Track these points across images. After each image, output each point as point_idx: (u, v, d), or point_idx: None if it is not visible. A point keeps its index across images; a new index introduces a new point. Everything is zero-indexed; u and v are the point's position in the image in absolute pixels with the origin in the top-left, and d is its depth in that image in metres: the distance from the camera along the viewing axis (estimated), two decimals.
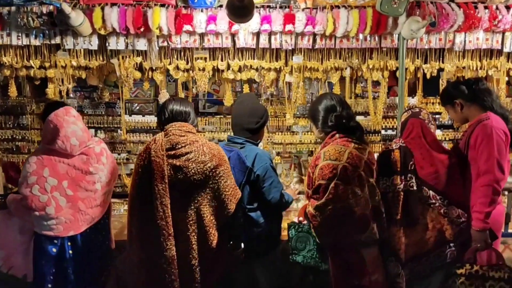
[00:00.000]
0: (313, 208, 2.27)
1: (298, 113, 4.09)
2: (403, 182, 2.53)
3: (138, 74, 3.69)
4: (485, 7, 3.45)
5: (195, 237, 2.28)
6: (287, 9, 3.43)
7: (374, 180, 2.40)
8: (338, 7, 3.37)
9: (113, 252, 2.78)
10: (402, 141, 2.64)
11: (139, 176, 2.32)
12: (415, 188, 2.53)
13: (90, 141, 2.57)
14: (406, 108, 3.02)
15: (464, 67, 3.84)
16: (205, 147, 2.28)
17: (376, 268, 2.39)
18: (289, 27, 3.32)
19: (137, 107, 4.22)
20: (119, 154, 4.15)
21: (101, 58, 3.62)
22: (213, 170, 2.26)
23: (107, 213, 2.70)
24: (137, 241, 2.33)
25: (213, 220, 2.31)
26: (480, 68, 3.81)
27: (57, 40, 3.54)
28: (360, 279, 2.34)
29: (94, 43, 3.54)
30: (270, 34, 3.52)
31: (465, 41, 3.65)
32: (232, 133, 2.76)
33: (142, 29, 3.30)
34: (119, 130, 4.14)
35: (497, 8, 3.48)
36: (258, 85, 4.02)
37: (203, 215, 2.28)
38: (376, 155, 2.60)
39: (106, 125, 4.16)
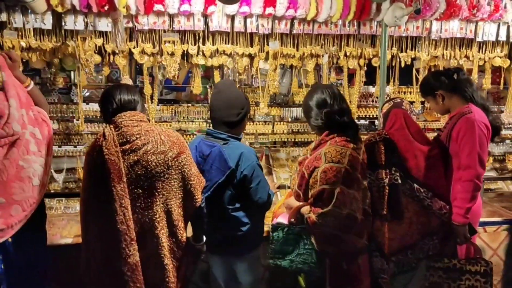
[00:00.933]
0: (317, 215, 2.08)
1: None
2: (388, 176, 2.46)
3: (98, 58, 3.39)
4: None
5: (165, 235, 2.12)
6: None
7: (366, 183, 2.30)
8: None
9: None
10: (385, 133, 2.56)
11: (91, 178, 2.09)
12: (399, 181, 2.47)
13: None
14: (387, 99, 2.94)
15: (437, 57, 3.83)
16: (163, 136, 2.08)
17: (367, 275, 2.32)
18: (269, 10, 3.16)
19: (87, 93, 3.88)
20: (75, 146, 3.81)
21: (55, 39, 3.27)
22: (175, 159, 2.08)
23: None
24: (96, 249, 2.12)
25: (181, 213, 2.16)
26: (454, 58, 3.82)
27: (3, 17, 3.16)
28: (356, 286, 2.26)
29: (48, 22, 3.19)
30: (246, 17, 3.32)
31: (441, 29, 3.63)
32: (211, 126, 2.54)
33: (106, 8, 2.99)
34: (75, 120, 3.79)
35: None
36: (221, 71, 3.81)
37: (171, 209, 2.11)
38: None
39: (60, 114, 3.80)
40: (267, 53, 3.52)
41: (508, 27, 3.78)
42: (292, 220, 2.29)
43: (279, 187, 3.44)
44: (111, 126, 2.07)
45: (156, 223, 2.08)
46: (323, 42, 3.59)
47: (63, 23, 3.20)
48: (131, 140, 2.02)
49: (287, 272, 2.40)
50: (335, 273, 2.24)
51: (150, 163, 2.02)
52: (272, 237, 2.29)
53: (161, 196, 2.08)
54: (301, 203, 2.26)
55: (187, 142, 2.21)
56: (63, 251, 2.71)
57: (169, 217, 2.11)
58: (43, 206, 2.39)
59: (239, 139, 2.45)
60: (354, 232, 2.18)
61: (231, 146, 2.35)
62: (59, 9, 3.05)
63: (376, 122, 4.33)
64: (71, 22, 3.19)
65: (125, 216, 2.01)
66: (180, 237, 2.14)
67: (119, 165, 1.99)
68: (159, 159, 2.03)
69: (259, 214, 2.48)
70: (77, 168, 3.71)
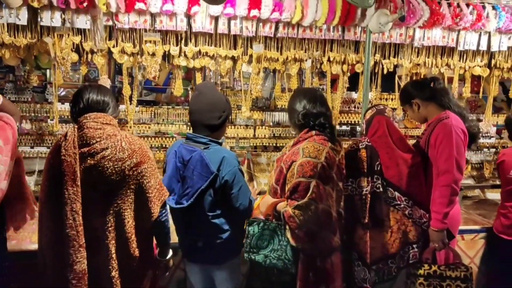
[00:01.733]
0: (293, 207, 2.10)
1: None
2: (370, 184, 2.47)
3: (75, 56, 3.27)
4: (448, 4, 3.46)
5: (115, 246, 2.03)
6: None
7: (342, 185, 2.32)
8: None
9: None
10: (368, 140, 2.55)
11: (48, 179, 2.01)
12: (381, 189, 2.48)
13: None
14: (370, 105, 2.93)
15: (419, 64, 3.86)
16: (124, 142, 1.99)
17: (339, 274, 2.33)
18: (254, 12, 3.10)
19: (63, 93, 3.74)
20: (48, 147, 3.66)
21: (30, 36, 3.14)
22: (134, 169, 1.99)
23: None
24: (47, 254, 2.04)
25: (135, 226, 2.07)
26: (435, 66, 3.85)
27: None
28: (328, 285, 2.25)
29: (23, 17, 3.05)
30: (230, 19, 3.26)
31: (424, 37, 3.66)
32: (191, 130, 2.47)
33: (85, 4, 2.88)
34: (49, 120, 3.65)
35: (458, 5, 3.50)
36: (203, 73, 3.74)
37: (124, 220, 2.02)
38: None
39: (33, 114, 3.65)
40: (251, 56, 3.46)
41: (489, 36, 3.83)
42: (269, 215, 2.26)
43: (260, 193, 3.38)
44: (75, 126, 2.00)
45: (107, 233, 2.00)
46: (307, 47, 3.56)
47: (39, 19, 3.07)
48: (91, 143, 1.94)
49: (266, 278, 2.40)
50: (308, 270, 2.22)
51: (106, 169, 1.94)
52: (248, 231, 2.28)
53: (115, 205, 1.99)
54: (277, 200, 2.26)
55: (166, 145, 2.13)
56: (33, 257, 2.59)
57: (122, 228, 2.02)
58: (2, 212, 2.29)
59: (220, 143, 2.39)
60: (329, 228, 2.18)
61: (212, 151, 2.29)
62: (35, 4, 2.92)
63: (358, 128, 4.33)
64: (48, 18, 3.06)
65: (75, 221, 1.93)
66: (131, 250, 2.05)
67: (75, 168, 1.91)
68: (116, 166, 1.95)
69: (239, 221, 2.42)
70: None
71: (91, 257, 1.98)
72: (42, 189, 2.03)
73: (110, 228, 1.99)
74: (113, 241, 2.01)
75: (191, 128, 2.42)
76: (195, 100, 2.39)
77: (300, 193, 2.12)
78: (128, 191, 2.00)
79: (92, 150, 1.93)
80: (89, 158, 1.93)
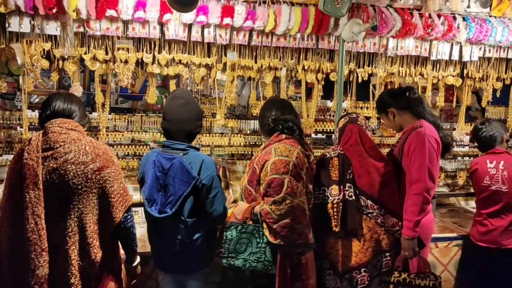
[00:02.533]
0: (270, 204, 2.18)
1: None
2: (342, 192, 2.47)
3: (45, 63, 3.20)
4: (420, 15, 3.51)
5: (76, 251, 1.99)
6: (224, 1, 3.18)
7: (312, 188, 2.38)
8: (280, 2, 3.20)
9: None
10: (340, 148, 2.56)
11: (9, 183, 1.99)
12: (353, 198, 2.49)
13: None
14: (344, 113, 2.95)
15: (393, 73, 3.90)
16: (88, 146, 1.99)
17: (314, 271, 2.38)
18: (227, 20, 3.09)
19: (37, 100, 3.67)
20: None
21: None
22: (97, 173, 1.97)
23: None
24: (5, 257, 1.98)
25: (97, 231, 2.04)
26: (409, 75, 3.90)
27: None
28: (304, 281, 2.30)
29: None
30: (203, 26, 3.25)
31: (397, 46, 3.70)
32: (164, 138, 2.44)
33: (54, 10, 2.82)
34: (18, 128, 3.55)
35: (430, 16, 3.56)
36: (180, 81, 3.71)
37: (85, 225, 1.99)
38: None
39: (2, 121, 3.54)
40: (225, 64, 3.45)
41: (461, 47, 3.89)
42: (246, 219, 2.31)
43: (235, 201, 3.35)
44: (41, 132, 2.00)
45: (67, 238, 1.97)
46: (281, 55, 3.57)
47: (7, 25, 3.00)
48: (55, 147, 1.94)
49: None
50: (285, 265, 2.26)
51: (68, 172, 1.93)
52: (225, 236, 2.31)
53: (76, 209, 1.97)
54: (253, 203, 2.31)
55: (141, 153, 2.11)
56: None
57: (83, 233, 2.00)
58: None
59: (198, 149, 2.39)
60: (305, 222, 2.23)
61: (191, 156, 2.28)
62: (2, 9, 2.86)
63: (333, 136, 4.34)
64: (16, 24, 2.99)
65: (37, 225, 1.90)
66: (93, 256, 2.02)
67: (37, 171, 1.90)
68: (78, 169, 1.94)
69: (212, 228, 2.40)
70: None
71: (52, 263, 1.95)
72: (4, 193, 1.99)
73: (70, 233, 1.96)
74: (74, 247, 1.98)
75: (167, 136, 2.37)
76: (180, 109, 2.32)
77: (275, 189, 2.18)
78: (91, 195, 1.98)
79: (56, 154, 1.93)
80: (52, 161, 1.92)
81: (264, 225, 2.23)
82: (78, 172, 1.93)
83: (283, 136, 2.36)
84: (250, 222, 2.31)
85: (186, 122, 2.32)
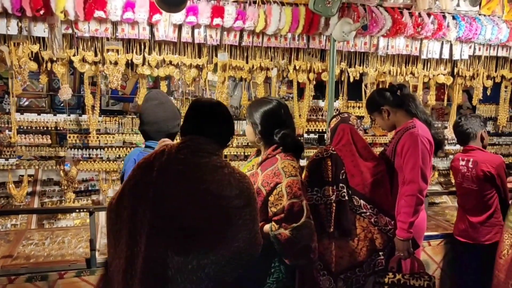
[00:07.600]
0: (291, 229, 2.00)
1: None
2: (335, 193, 2.45)
3: (34, 65, 3.16)
4: (410, 14, 3.52)
5: None
6: (214, 1, 3.16)
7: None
8: (270, 2, 3.18)
9: None
10: (333, 148, 2.54)
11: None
12: (346, 198, 2.47)
13: None
14: (335, 113, 2.93)
15: (384, 72, 3.90)
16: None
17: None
18: (217, 20, 3.07)
19: (26, 102, 3.62)
20: (6, 159, 3.51)
21: None
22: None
23: None
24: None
25: None
26: (400, 74, 3.90)
27: None
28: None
29: None
30: (194, 27, 3.22)
31: (388, 46, 3.70)
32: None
33: (42, 12, 2.78)
34: (7, 131, 3.50)
35: (420, 15, 3.56)
36: (169, 82, 3.68)
37: None
38: (304, 162, 2.46)
39: None
40: (216, 64, 3.43)
41: (451, 45, 3.91)
42: None
43: None
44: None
45: None
46: (273, 55, 3.55)
47: None
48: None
49: None
50: (303, 282, 2.28)
51: None
52: None
53: None
54: (260, 223, 2.11)
55: None
56: None
57: None
58: None
59: None
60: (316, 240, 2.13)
61: None
62: None
63: (326, 136, 4.33)
64: (3, 26, 2.95)
65: None
66: None
67: None
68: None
69: None
70: (8, 182, 3.42)
71: None
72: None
73: None
74: None
75: (146, 138, 2.35)
76: (156, 109, 2.32)
77: (298, 214, 2.02)
78: None
79: None
80: None
81: (279, 247, 2.05)
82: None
83: (280, 149, 2.16)
84: None
85: (163, 122, 2.31)
